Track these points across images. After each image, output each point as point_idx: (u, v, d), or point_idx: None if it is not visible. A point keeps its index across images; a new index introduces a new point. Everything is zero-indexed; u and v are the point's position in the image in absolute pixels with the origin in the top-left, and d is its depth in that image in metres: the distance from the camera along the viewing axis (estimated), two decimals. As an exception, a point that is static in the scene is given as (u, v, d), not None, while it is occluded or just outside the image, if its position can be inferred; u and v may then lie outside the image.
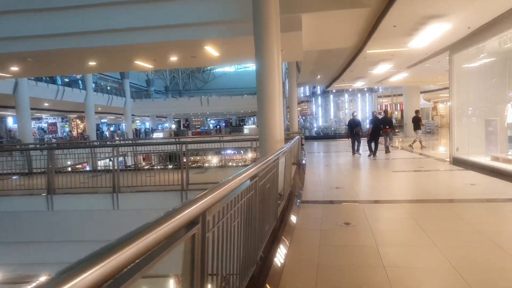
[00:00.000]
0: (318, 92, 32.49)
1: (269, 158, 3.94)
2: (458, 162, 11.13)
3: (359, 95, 31.23)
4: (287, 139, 8.82)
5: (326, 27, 9.55)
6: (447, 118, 42.68)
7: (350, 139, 15.06)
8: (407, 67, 16.05)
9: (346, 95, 31.15)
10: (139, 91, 54.51)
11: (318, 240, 4.48)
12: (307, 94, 34.76)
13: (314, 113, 33.87)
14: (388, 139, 15.13)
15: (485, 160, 9.81)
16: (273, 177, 4.48)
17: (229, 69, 71.97)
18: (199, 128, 51.41)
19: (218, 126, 56.53)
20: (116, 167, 8.90)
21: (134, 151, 12.66)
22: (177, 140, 15.23)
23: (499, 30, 9.04)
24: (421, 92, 29.54)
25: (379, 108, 38.53)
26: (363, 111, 31.56)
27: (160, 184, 8.32)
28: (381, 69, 15.14)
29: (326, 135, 29.56)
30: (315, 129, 31.55)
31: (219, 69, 71.62)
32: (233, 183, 2.41)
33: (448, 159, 11.91)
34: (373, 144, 14.19)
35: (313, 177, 9.78)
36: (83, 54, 10.94)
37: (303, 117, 34.52)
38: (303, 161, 13.48)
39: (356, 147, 14.75)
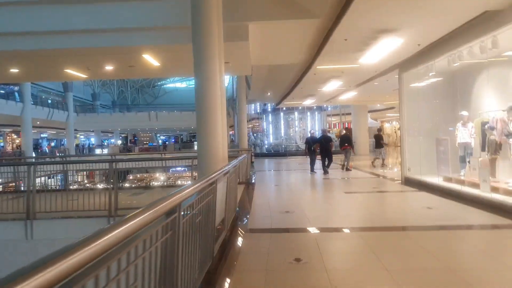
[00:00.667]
0: (269, 109, 32.20)
1: (200, 183, 3.05)
2: (410, 182, 10.88)
3: (308, 113, 31.31)
4: (235, 157, 7.98)
5: (275, 39, 8.98)
6: (393, 137, 44.27)
7: (308, 156, 14.91)
8: (356, 85, 15.98)
9: (296, 113, 31.10)
10: (84, 105, 51.59)
11: (263, 285, 3.63)
12: (258, 111, 34.37)
13: (265, 130, 33.48)
14: (346, 157, 15.02)
15: (438, 180, 9.58)
16: (208, 207, 3.60)
17: (180, 84, 70.69)
18: (147, 144, 49.21)
19: (166, 142, 54.50)
20: (32, 189, 7.55)
21: (64, 169, 11.19)
22: (112, 157, 13.82)
23: (447, 49, 8.93)
24: (369, 111, 30.21)
25: (327, 126, 39.07)
26: (313, 129, 31.63)
27: (84, 209, 7.09)
28: (330, 87, 14.89)
29: (276, 152, 29.14)
30: (266, 146, 31.08)
31: (170, 85, 70.11)
32: (124, 229, 1.51)
33: (400, 179, 11.67)
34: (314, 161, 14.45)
35: (262, 198, 8.98)
36: (1, 59, 9.50)
37: (254, 134, 34.00)
38: (253, 180, 12.70)
39: (313, 165, 14.61)
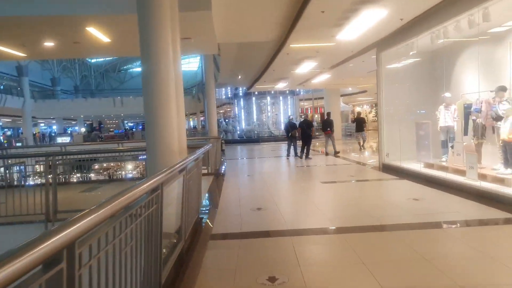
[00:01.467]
0: (241, 94, 31.11)
1: (124, 197, 2.04)
2: (388, 169, 10.24)
3: (281, 97, 30.45)
4: (200, 146, 6.94)
5: (243, 11, 7.93)
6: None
7: (287, 142, 14.78)
8: (330, 67, 15.18)
9: (269, 98, 30.17)
10: (43, 91, 48.62)
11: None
12: (229, 96, 33.23)
13: (237, 115, 32.42)
14: (329, 141, 14.79)
15: (419, 167, 8.95)
16: (150, 223, 2.62)
17: (147, 69, 68.15)
18: (113, 131, 47.05)
19: (131, 130, 52.41)
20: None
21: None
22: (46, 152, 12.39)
23: (432, 24, 8.17)
24: (341, 96, 29.69)
25: (300, 110, 38.47)
26: (285, 114, 30.88)
27: (15, 213, 5.91)
28: (304, 68, 14.01)
29: (249, 139, 28.23)
30: (238, 132, 30.10)
31: (137, 69, 67.47)
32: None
33: (378, 166, 11.02)
34: (291, 146, 14.42)
35: (231, 193, 8.06)
36: None
37: (226, 120, 32.91)
38: (222, 170, 11.75)
39: (292, 151, 14.41)
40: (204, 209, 6.32)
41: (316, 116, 40.33)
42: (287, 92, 30.21)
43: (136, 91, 53.70)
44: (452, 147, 8.49)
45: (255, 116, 30.26)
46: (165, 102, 4.44)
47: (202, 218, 5.86)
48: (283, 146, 23.24)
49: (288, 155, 14.39)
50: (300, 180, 9.58)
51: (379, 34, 9.37)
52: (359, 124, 17.16)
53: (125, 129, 54.19)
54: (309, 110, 44.25)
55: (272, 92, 29.47)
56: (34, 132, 43.59)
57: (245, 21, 8.53)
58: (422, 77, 10.52)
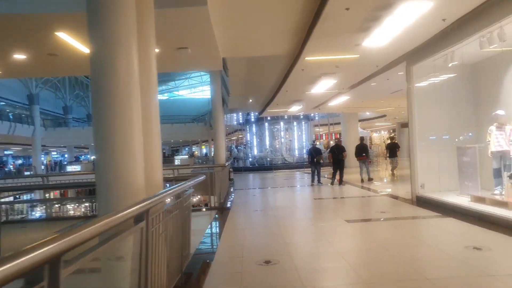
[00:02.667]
0: (252, 120, 29.81)
1: None
2: (424, 202, 8.52)
3: (295, 123, 29.02)
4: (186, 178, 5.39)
5: (250, 19, 6.61)
6: (382, 147, 42.37)
7: (310, 168, 14.20)
8: (350, 87, 13.72)
9: (282, 123, 28.76)
10: (55, 119, 48.42)
11: None
12: (241, 121, 31.97)
13: (248, 142, 31.04)
14: (364, 167, 14.12)
15: (466, 202, 7.23)
16: None
17: (161, 96, 68.23)
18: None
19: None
20: None
21: None
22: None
23: (478, 26, 6.69)
24: (358, 120, 28.10)
25: (314, 136, 36.90)
26: (299, 140, 29.37)
27: None
28: (321, 87, 12.57)
29: (261, 166, 26.67)
30: (250, 159, 28.60)
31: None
32: None
33: (410, 198, 9.31)
34: (317, 173, 13.85)
35: (235, 235, 6.49)
36: None
37: (238, 147, 31.56)
38: (228, 204, 10.18)
39: (317, 177, 13.87)
40: (194, 262, 4.74)
41: (331, 142, 38.66)
42: (301, 117, 28.82)
43: (148, 118, 53.08)
44: (510, 176, 6.79)
45: (267, 143, 28.81)
46: (121, 114, 2.99)
47: (190, 275, 4.30)
48: (298, 174, 21.72)
49: (313, 181, 13.78)
50: (320, 217, 7.92)
51: (412, 42, 7.91)
52: (393, 149, 16.32)
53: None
54: (323, 136, 42.68)
55: (286, 117, 28.11)
56: (45, 161, 42.90)
57: (253, 31, 7.20)
58: (463, 94, 8.94)
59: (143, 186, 3.14)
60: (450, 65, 8.15)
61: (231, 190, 13.62)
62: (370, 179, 13.96)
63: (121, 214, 2.21)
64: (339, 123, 28.46)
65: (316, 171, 13.90)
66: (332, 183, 13.22)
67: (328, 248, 5.29)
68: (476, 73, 8.81)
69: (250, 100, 19.04)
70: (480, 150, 7.73)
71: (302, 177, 19.17)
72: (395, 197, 9.92)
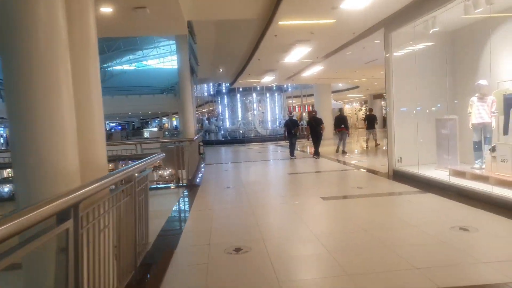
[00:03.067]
0: (224, 91, 28.89)
1: None
2: (402, 177, 8.23)
3: (267, 94, 28.33)
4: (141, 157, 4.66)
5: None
6: (353, 119, 42.51)
7: (288, 140, 13.76)
8: (325, 56, 13.13)
9: (254, 95, 28.00)
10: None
11: None
12: (212, 92, 30.97)
13: (220, 114, 30.22)
14: (343, 140, 14.05)
15: (446, 176, 6.93)
16: None
17: (128, 67, 65.49)
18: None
19: (112, 130, 49.94)
20: None
21: None
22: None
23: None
24: (331, 92, 27.75)
25: (288, 108, 36.48)
26: (273, 112, 28.81)
27: None
28: (295, 56, 11.91)
29: (234, 139, 26.08)
30: (222, 132, 27.89)
31: (118, 67, 64.68)
32: None
33: (387, 172, 9.02)
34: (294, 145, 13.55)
35: (202, 217, 5.95)
36: None
37: (210, 120, 30.71)
38: (197, 180, 9.59)
39: (291, 149, 13.59)
40: (155, 251, 4.17)
41: (304, 114, 38.40)
42: (274, 88, 28.15)
43: (115, 90, 51.01)
44: (492, 149, 6.50)
45: (240, 115, 28.11)
46: (49, 92, 2.29)
47: (149, 267, 3.73)
48: (271, 147, 21.29)
49: (291, 154, 13.49)
50: (295, 194, 7.47)
51: (391, 6, 7.37)
52: (371, 121, 15.94)
53: (109, 130, 51.42)
54: (296, 108, 42.35)
55: (258, 88, 27.36)
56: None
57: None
58: (443, 63, 8.54)
59: (77, 170, 2.48)
60: (430, 31, 7.68)
61: (202, 165, 13.00)
62: (344, 152, 13.86)
63: (27, 216, 1.56)
64: (312, 95, 28.05)
65: (292, 142, 13.67)
66: (314, 156, 12.98)
67: (305, 230, 4.83)
68: (456, 41, 8.39)
69: (221, 70, 18.19)
70: (459, 121, 7.41)
71: (275, 150, 18.78)
72: (372, 171, 9.62)
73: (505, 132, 6.79)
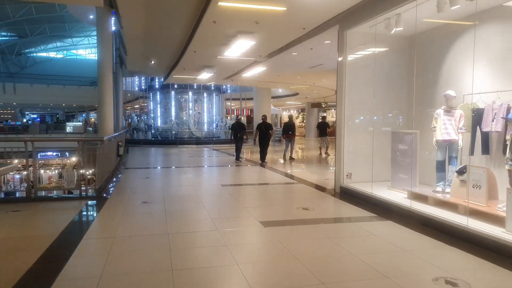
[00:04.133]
0: (157, 86, 26.66)
1: None
2: (350, 195, 7.15)
3: (205, 94, 26.66)
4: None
5: None
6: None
7: (235, 144, 13.54)
8: (268, 55, 11.89)
9: (191, 93, 26.16)
10: None
11: None
12: (144, 87, 28.48)
13: (152, 111, 27.91)
14: (291, 146, 13.90)
15: (405, 200, 5.89)
16: None
17: (55, 54, 59.71)
18: (1, 123, 39.01)
19: (29, 121, 44.96)
20: None
21: None
22: None
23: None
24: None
25: (226, 111, 35.06)
26: (210, 113, 27.19)
27: None
28: (236, 50, 10.48)
29: (165, 140, 24.02)
30: (153, 131, 25.62)
31: (43, 54, 58.63)
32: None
33: (333, 189, 7.90)
34: (240, 149, 13.57)
35: (95, 251, 4.28)
36: None
37: (138, 116, 28.21)
38: (110, 191, 7.74)
39: (236, 154, 13.47)
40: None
41: (243, 118, 37.25)
42: (213, 88, 26.58)
43: (36, 78, 45.74)
44: (459, 172, 5.56)
45: (173, 114, 26.07)
46: None
47: None
48: (206, 151, 19.60)
49: (237, 158, 13.37)
50: (230, 217, 5.98)
51: (346, 1, 6.20)
52: (323, 128, 15.77)
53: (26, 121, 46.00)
54: (235, 111, 41.11)
55: (195, 86, 25.60)
56: None
57: None
58: (402, 70, 7.64)
59: None
60: (392, 31, 6.69)
61: (121, 170, 11.03)
62: (291, 158, 13.76)
63: None
64: (251, 99, 26.89)
65: (238, 146, 13.36)
66: (261, 164, 12.53)
67: (239, 280, 3.36)
68: (418, 47, 7.52)
69: (153, 62, 16.21)
70: (419, 137, 6.47)
71: (211, 155, 17.22)
72: (318, 187, 8.46)
73: (472, 152, 5.93)
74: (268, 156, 13.56)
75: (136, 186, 8.48)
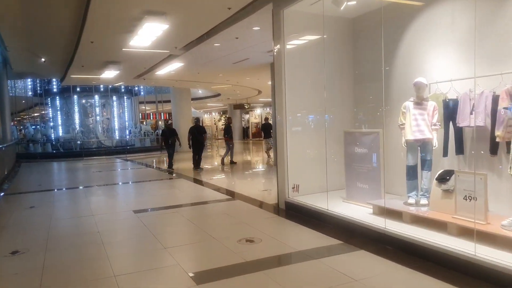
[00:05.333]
0: (55, 90, 23.07)
1: None
2: (299, 212, 5.75)
3: (114, 97, 23.74)
4: None
5: None
6: (212, 129, 40.48)
7: (166, 151, 13.13)
8: (186, 47, 10.09)
9: (97, 97, 23.05)
10: None
11: None
12: (39, 91, 24.53)
13: (50, 119, 24.19)
14: (230, 150, 13.60)
15: (374, 218, 4.61)
16: None
17: None
18: None
19: None
20: None
21: None
22: None
23: None
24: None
25: (141, 116, 32.19)
26: (121, 119, 24.33)
27: None
28: (145, 38, 8.51)
29: (68, 152, 20.73)
30: (53, 142, 22.04)
31: None
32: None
33: (275, 205, 6.44)
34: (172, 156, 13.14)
35: None
36: None
37: (34, 126, 24.27)
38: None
39: (169, 160, 13.01)
40: None
41: (160, 122, 34.59)
42: (123, 90, 23.79)
43: None
44: (439, 179, 4.39)
45: (77, 121, 22.75)
46: None
47: None
48: (119, 162, 16.96)
49: (170, 166, 12.77)
50: (142, 267, 4.11)
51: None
52: (267, 129, 14.92)
53: None
54: (151, 116, 38.20)
55: (102, 88, 22.62)
56: None
57: None
58: (350, 57, 6.44)
59: None
60: (342, 7, 5.41)
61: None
62: (232, 163, 13.44)
63: None
64: (169, 101, 24.56)
65: (169, 154, 12.85)
66: (195, 169, 12.13)
67: None
68: (365, 29, 6.36)
69: (43, 59, 13.33)
70: (381, 136, 5.25)
71: (124, 167, 14.84)
72: (257, 202, 6.92)
73: (445, 153, 4.85)
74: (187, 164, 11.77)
75: (12, 223, 6.12)
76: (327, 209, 5.24)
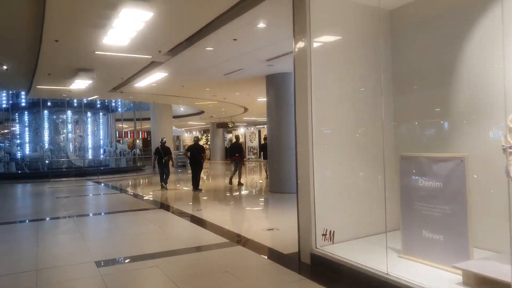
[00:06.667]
0: (24, 104, 20.86)
1: None
2: (332, 269, 3.98)
3: (89, 113, 21.68)
4: None
5: None
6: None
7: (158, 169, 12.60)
8: (171, 51, 8.39)
9: (70, 112, 20.95)
10: None
11: None
12: (5, 106, 22.20)
13: (18, 136, 21.89)
14: (238, 169, 13.01)
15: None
16: None
17: None
18: None
19: None
20: None
21: None
22: None
23: None
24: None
25: (117, 134, 30.07)
26: (95, 137, 22.23)
27: None
28: (122, 32, 6.75)
29: (34, 172, 18.42)
30: (19, 161, 19.68)
31: None
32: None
33: (296, 253, 4.67)
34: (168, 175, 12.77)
35: None
36: None
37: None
38: None
39: (165, 178, 12.44)
40: None
41: (138, 142, 32.47)
42: (99, 106, 21.80)
43: None
44: None
45: (46, 138, 20.51)
46: None
47: None
48: (89, 185, 14.85)
49: (162, 186, 12.33)
50: None
51: None
52: (266, 150, 13.43)
53: None
54: (129, 134, 36.12)
55: (75, 103, 20.56)
56: None
57: None
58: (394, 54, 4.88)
59: None
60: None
61: None
62: (240, 184, 12.88)
63: None
64: (148, 119, 22.62)
65: (163, 172, 12.38)
66: (194, 190, 11.67)
67: None
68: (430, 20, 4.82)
69: (5, 67, 11.36)
70: (467, 164, 3.60)
71: (95, 192, 12.81)
72: (266, 250, 5.13)
73: None
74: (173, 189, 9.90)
75: None
76: (387, 273, 3.52)
